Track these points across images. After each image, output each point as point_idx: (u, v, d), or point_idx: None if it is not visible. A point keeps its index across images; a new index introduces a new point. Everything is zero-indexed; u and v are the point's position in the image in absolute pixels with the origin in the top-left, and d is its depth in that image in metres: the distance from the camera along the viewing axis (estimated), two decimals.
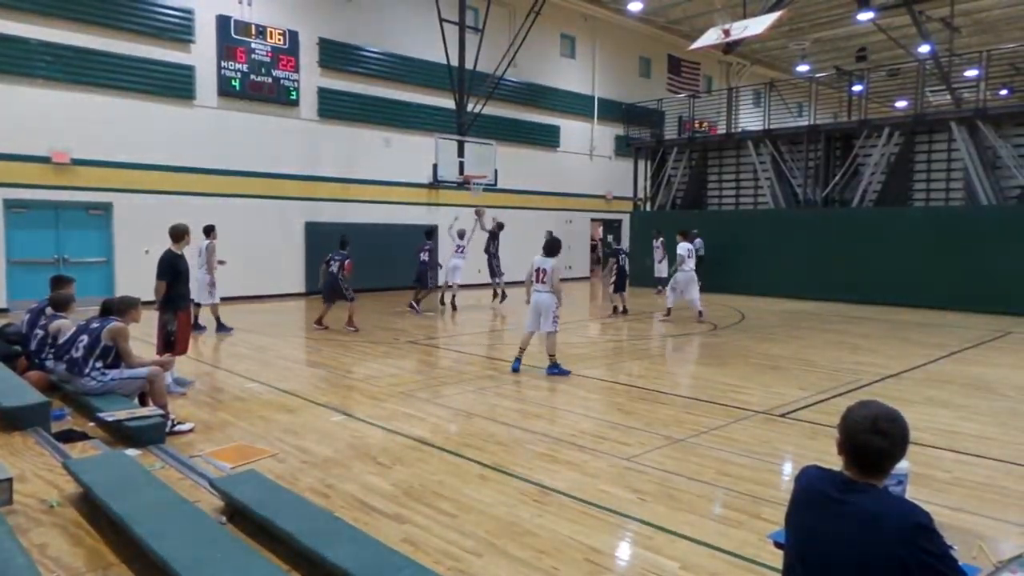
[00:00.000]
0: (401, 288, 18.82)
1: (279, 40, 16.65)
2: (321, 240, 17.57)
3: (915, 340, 11.34)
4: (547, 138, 23.02)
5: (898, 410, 2.04)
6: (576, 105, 23.85)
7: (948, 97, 19.90)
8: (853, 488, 1.98)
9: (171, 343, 7.10)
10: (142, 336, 9.17)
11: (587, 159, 24.54)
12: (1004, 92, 21.70)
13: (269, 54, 16.52)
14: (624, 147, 24.11)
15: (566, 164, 23.73)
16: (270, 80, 16.58)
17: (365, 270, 18.23)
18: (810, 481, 2.12)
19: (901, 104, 23.63)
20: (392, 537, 3.79)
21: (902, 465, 2.17)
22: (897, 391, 7.58)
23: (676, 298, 13.38)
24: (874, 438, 1.96)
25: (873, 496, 1.95)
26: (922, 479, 4.71)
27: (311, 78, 17.40)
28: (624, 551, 3.90)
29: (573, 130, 23.87)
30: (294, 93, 17.01)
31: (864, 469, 2.00)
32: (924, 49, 22.10)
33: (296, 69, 16.99)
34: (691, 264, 13.29)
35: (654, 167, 22.70)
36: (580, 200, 24.25)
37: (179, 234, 7.45)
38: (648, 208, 22.66)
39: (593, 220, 25.31)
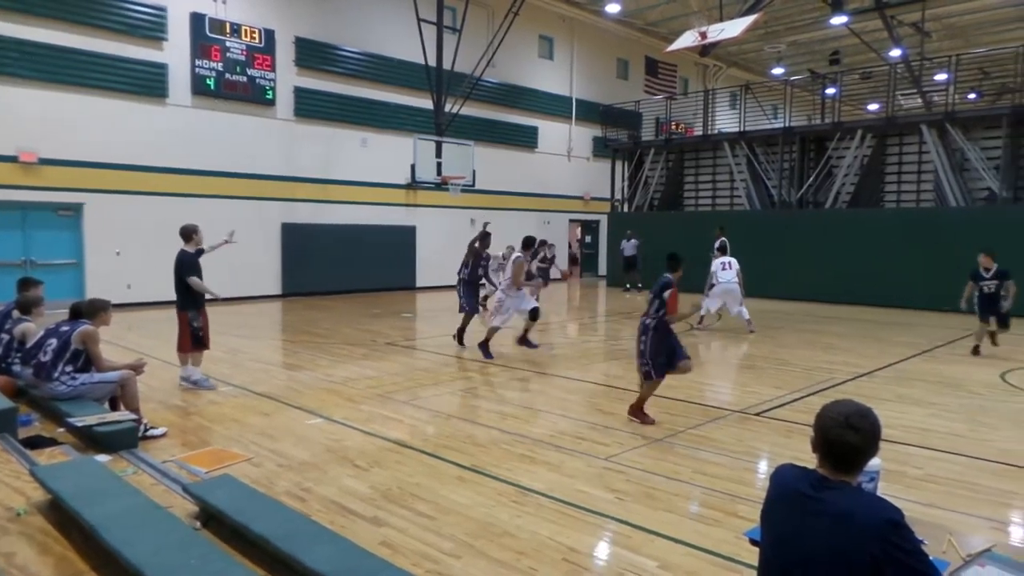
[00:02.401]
0: (377, 290, 18.77)
1: (254, 39, 16.48)
2: (298, 241, 17.45)
3: (887, 339, 11.52)
4: (525, 139, 23.07)
5: (871, 407, 2.07)
6: (554, 106, 23.93)
7: (919, 100, 20.30)
8: (827, 486, 2.01)
9: (200, 339, 7.44)
10: (112, 339, 9.03)
11: (565, 160, 24.63)
12: (972, 96, 22.16)
13: (244, 53, 16.33)
14: (602, 148, 24.23)
15: (544, 165, 23.79)
16: (245, 79, 16.39)
17: (342, 271, 18.18)
18: (785, 479, 2.14)
19: (873, 107, 24.04)
20: (370, 540, 3.76)
21: (874, 462, 2.20)
22: (870, 389, 7.70)
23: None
24: (847, 433, 2.00)
25: (847, 493, 1.98)
26: (894, 476, 4.79)
27: (287, 77, 17.24)
28: (602, 551, 3.91)
29: (551, 131, 23.93)
30: (270, 92, 16.85)
31: (837, 466, 2.03)
32: (896, 53, 22.51)
33: (272, 68, 16.83)
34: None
35: (631, 168, 22.84)
36: (558, 201, 24.32)
37: (187, 233, 7.57)
38: (625, 209, 22.79)
39: (571, 221, 25.40)
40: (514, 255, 9.71)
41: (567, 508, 4.33)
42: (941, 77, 21.40)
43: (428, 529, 3.99)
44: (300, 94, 17.45)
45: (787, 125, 19.68)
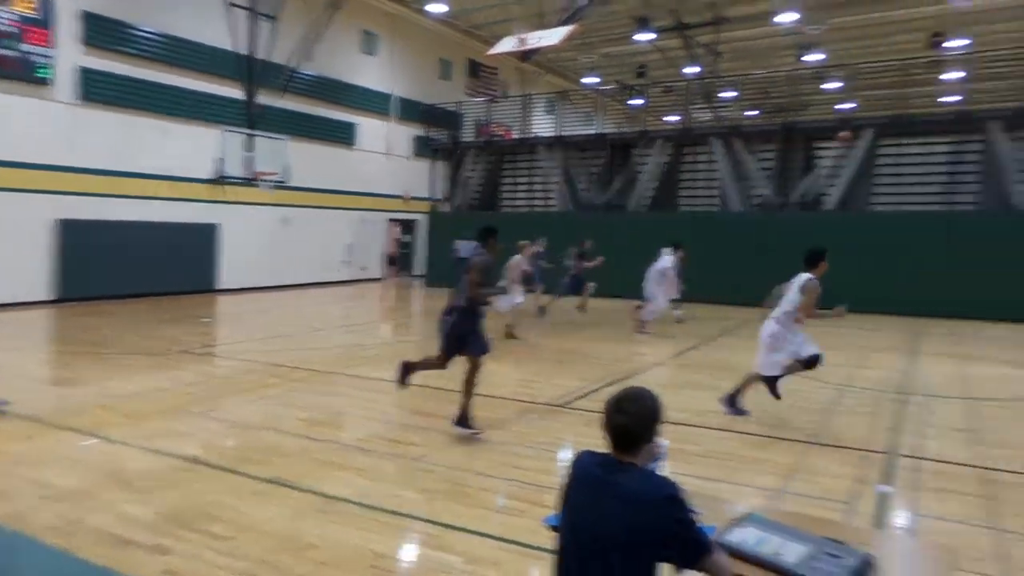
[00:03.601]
0: (174, 292, 17.18)
1: (29, 8, 14.37)
2: (79, 240, 15.48)
3: (669, 334, 12.41)
4: (343, 135, 22.32)
5: (647, 391, 2.21)
6: (375, 103, 23.43)
7: (710, 114, 22.50)
8: (616, 468, 2.12)
9: None
10: None
11: (384, 158, 24.19)
12: (754, 112, 25.00)
13: (15, 24, 14.19)
14: (423, 148, 24.17)
15: (363, 163, 23.18)
16: (16, 54, 14.25)
17: (133, 273, 16.42)
18: (582, 465, 2.24)
19: (673, 118, 26.28)
20: (151, 571, 3.41)
21: (661, 442, 2.35)
22: (664, 377, 8.38)
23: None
24: (616, 416, 2.14)
25: (632, 474, 2.10)
26: (677, 454, 5.21)
27: (72, 56, 15.23)
28: (410, 552, 3.87)
29: (371, 128, 23.39)
30: (47, 71, 14.78)
31: (618, 447, 2.15)
32: (693, 70, 24.77)
33: (51, 44, 14.78)
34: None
35: (451, 168, 23.03)
36: (377, 200, 23.78)
37: None
38: (445, 209, 22.93)
39: (391, 220, 25.01)
40: (805, 277, 6.22)
41: (376, 513, 4.22)
42: (729, 94, 23.96)
43: (221, 552, 3.69)
44: (88, 76, 15.51)
45: (599, 132, 20.91)
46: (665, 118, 27.11)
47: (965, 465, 5.39)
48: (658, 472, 2.27)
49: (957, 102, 23.85)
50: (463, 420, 5.88)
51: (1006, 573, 3.67)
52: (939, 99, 25.85)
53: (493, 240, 6.03)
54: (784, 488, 4.95)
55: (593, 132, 21.75)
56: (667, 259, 12.57)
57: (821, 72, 24.15)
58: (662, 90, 24.32)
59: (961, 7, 20.14)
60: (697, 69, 24.63)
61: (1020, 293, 13.93)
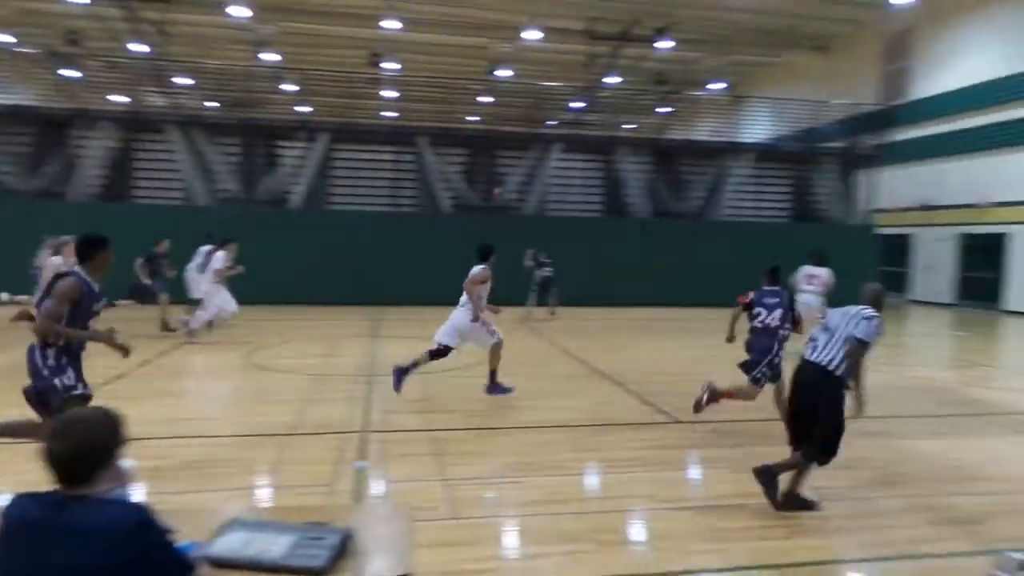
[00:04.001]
0: None
1: None
2: None
3: (142, 333, 11.14)
4: None
5: (97, 410, 1.97)
6: None
7: (166, 100, 20.83)
8: (64, 504, 1.84)
9: None
10: None
11: None
12: (213, 104, 24.22)
13: None
14: None
15: None
16: None
17: None
18: (14, 511, 1.88)
19: (119, 98, 23.35)
20: None
21: (126, 463, 2.08)
22: (126, 390, 7.33)
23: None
24: (56, 444, 1.90)
25: (87, 508, 1.85)
26: (150, 472, 4.66)
27: None
28: None
29: None
30: None
31: (64, 480, 1.88)
32: (143, 48, 22.37)
33: None
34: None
35: None
36: None
37: None
38: None
39: None
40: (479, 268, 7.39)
41: None
42: (186, 81, 22.60)
43: None
44: None
45: (21, 103, 17.22)
46: (109, 96, 23.77)
47: (419, 431, 6.30)
48: (124, 498, 2.07)
49: (395, 117, 27.84)
50: None
51: (454, 512, 4.45)
52: (381, 112, 29.71)
53: (103, 254, 4.52)
54: (269, 484, 4.98)
55: (12, 103, 17.70)
56: (218, 255, 11.07)
57: (278, 72, 24.92)
58: (104, 64, 21.44)
59: (389, 34, 23.29)
60: (144, 48, 22.42)
61: (447, 280, 16.94)
